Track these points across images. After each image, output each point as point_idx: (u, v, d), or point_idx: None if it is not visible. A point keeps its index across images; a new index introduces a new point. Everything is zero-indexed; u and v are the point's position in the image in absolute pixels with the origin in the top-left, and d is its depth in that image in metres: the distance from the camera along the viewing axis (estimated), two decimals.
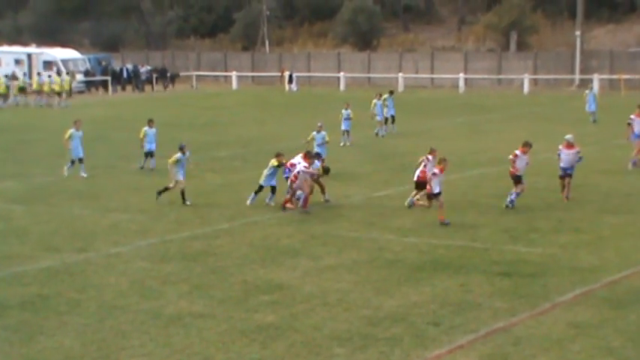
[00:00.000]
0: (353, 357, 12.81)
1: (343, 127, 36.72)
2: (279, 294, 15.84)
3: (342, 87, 71.33)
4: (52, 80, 60.32)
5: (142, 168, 30.34)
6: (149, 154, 30.33)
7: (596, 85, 63.23)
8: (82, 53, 76.09)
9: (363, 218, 22.19)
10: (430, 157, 23.04)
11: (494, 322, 14.14)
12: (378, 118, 39.41)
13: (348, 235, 20.34)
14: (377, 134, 39.38)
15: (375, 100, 39.53)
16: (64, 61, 70.29)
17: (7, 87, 59.34)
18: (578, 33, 67.89)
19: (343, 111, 36.81)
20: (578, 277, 16.59)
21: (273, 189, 23.91)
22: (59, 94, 59.38)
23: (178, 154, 24.00)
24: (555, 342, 13.28)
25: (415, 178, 23.22)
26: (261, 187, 23.85)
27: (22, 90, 61.60)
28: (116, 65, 76.56)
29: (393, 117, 40.86)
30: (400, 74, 71.23)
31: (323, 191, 24.05)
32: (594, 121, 43.65)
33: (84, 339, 13.70)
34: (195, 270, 17.57)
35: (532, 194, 24.83)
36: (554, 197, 24.46)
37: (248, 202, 23.91)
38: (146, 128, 30.37)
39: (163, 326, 14.20)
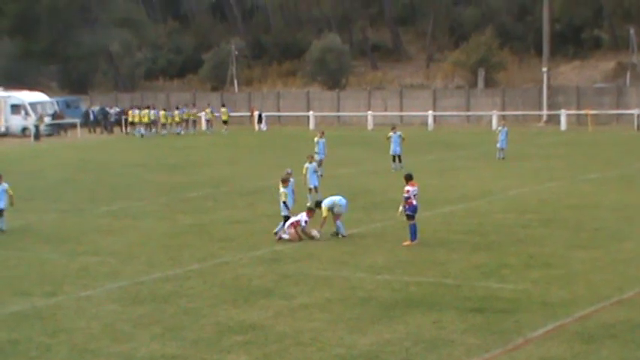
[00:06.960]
0: None
1: (311, 184, 29.98)
2: (252, 334, 15.76)
3: (311, 126, 71.53)
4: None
5: None
6: None
7: (563, 121, 64.08)
8: (50, 96, 75.86)
9: (335, 257, 22.17)
10: None
11: (468, 359, 14.14)
12: (317, 157, 37.49)
13: (320, 274, 20.30)
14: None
15: (316, 139, 38.91)
16: (32, 104, 70.05)
17: None
18: (544, 69, 68.71)
19: (307, 165, 30.25)
20: (550, 312, 16.65)
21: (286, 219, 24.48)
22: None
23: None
24: None
25: None
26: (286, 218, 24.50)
27: None
28: (84, 108, 76.50)
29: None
30: (369, 112, 71.59)
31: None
32: (502, 157, 43.47)
33: None
34: (167, 312, 17.45)
35: (502, 230, 24.96)
36: (524, 233, 24.58)
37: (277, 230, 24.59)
38: None
39: None
